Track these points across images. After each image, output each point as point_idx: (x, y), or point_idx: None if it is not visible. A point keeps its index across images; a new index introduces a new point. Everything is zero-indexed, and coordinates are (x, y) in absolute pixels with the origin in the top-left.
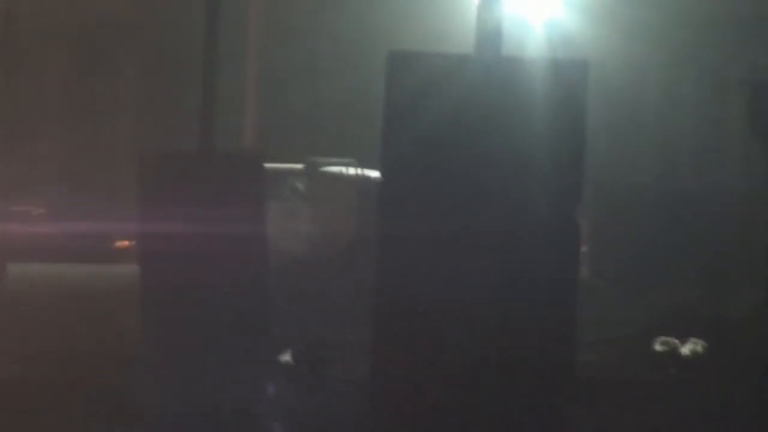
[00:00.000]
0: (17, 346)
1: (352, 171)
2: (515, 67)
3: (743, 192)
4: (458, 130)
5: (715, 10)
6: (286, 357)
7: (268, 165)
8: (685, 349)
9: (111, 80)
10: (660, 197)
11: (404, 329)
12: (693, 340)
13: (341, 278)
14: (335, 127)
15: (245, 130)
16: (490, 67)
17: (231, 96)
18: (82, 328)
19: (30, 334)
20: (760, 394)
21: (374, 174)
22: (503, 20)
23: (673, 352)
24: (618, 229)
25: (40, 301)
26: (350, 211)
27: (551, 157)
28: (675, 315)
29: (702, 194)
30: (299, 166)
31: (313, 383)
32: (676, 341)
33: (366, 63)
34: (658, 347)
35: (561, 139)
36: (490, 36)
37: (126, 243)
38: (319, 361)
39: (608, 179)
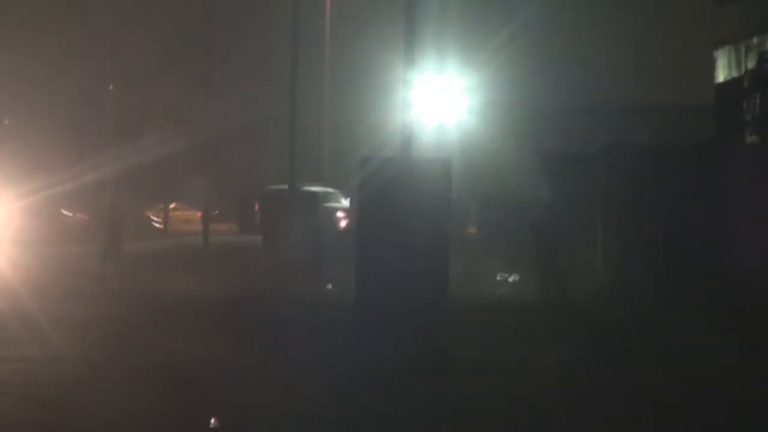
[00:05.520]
0: None
1: None
2: (415, 163)
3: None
4: (388, 200)
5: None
6: None
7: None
8: (510, 278)
9: None
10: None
11: None
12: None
13: None
14: None
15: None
16: (403, 164)
17: None
18: None
19: None
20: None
21: None
22: (413, 129)
23: (505, 280)
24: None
25: None
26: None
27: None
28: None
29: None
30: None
31: None
32: (506, 274)
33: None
34: (498, 277)
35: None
36: (405, 141)
37: None
38: None
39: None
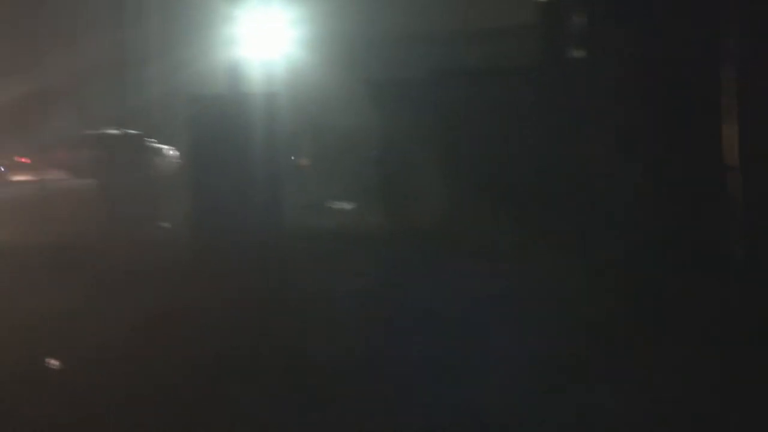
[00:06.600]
0: None
1: None
2: (244, 98)
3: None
4: (218, 137)
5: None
6: None
7: None
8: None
9: None
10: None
11: None
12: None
13: None
14: None
15: None
16: (231, 100)
17: None
18: None
19: None
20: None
21: None
22: (240, 65)
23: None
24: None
25: None
26: None
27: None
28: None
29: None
30: None
31: None
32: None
33: None
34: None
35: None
36: (232, 78)
37: None
38: None
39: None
